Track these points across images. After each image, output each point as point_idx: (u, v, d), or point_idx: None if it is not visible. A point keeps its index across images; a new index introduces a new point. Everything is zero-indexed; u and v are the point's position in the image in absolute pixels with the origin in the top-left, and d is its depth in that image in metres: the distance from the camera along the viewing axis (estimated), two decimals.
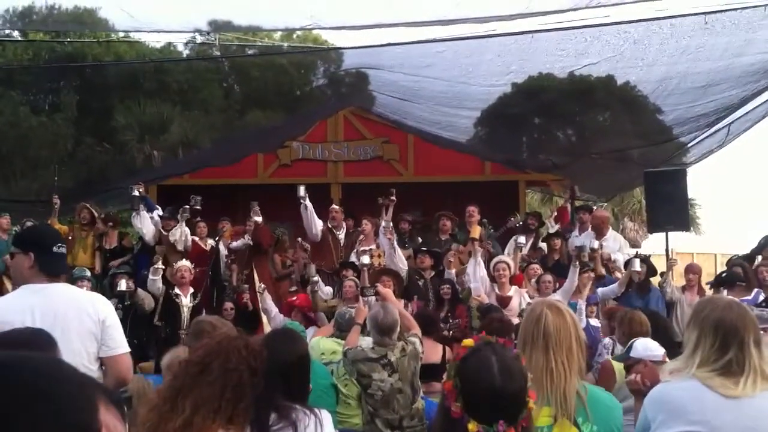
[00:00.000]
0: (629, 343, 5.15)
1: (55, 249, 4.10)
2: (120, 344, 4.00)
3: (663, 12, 9.80)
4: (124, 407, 4.19)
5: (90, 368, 3.85)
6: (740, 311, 3.02)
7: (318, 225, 11.21)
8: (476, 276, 9.53)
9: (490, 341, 2.40)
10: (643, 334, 5.67)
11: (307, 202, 11.03)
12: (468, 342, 2.42)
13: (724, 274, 9.99)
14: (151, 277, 9.82)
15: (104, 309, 4.03)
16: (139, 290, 9.75)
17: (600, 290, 9.70)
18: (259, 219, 11.12)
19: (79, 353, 3.78)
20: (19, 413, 1.17)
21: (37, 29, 17.67)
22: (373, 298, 7.56)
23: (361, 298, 7.57)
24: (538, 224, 11.86)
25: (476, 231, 10.45)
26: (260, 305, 9.79)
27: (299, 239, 11.53)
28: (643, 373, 4.64)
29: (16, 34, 17.96)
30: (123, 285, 9.56)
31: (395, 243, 10.39)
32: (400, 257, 10.30)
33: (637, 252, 11.10)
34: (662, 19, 10.03)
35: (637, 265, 9.68)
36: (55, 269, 4.07)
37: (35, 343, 2.93)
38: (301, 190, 10.99)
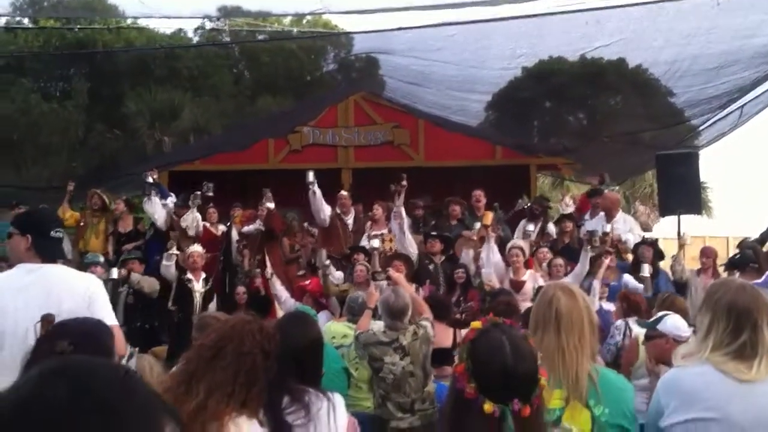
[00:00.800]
0: (659, 315, 5.10)
1: (52, 233, 4.16)
2: (106, 317, 3.86)
3: None
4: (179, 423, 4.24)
5: None
6: (753, 293, 3.00)
7: (326, 211, 11.22)
8: (489, 262, 9.52)
9: (497, 322, 2.41)
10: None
11: (316, 187, 11.03)
12: (476, 324, 2.43)
13: (736, 257, 9.94)
14: (164, 262, 9.86)
15: (93, 288, 4.06)
16: (133, 275, 9.81)
17: (627, 280, 9.49)
18: (271, 205, 11.13)
19: None
20: (85, 426, 1.17)
21: (47, 16, 17.69)
22: (385, 282, 7.57)
23: (372, 282, 7.58)
24: (542, 209, 11.80)
25: (488, 217, 10.41)
26: (270, 290, 9.82)
27: (306, 224, 11.55)
28: (659, 346, 4.63)
29: (26, 21, 17.99)
30: (114, 273, 9.65)
31: (405, 228, 10.39)
32: (410, 242, 10.30)
33: (644, 236, 11.01)
34: (674, 1, 9.96)
35: (646, 271, 9.58)
36: (50, 253, 4.13)
37: (95, 335, 2.98)
38: (310, 176, 10.99)
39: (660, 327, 4.87)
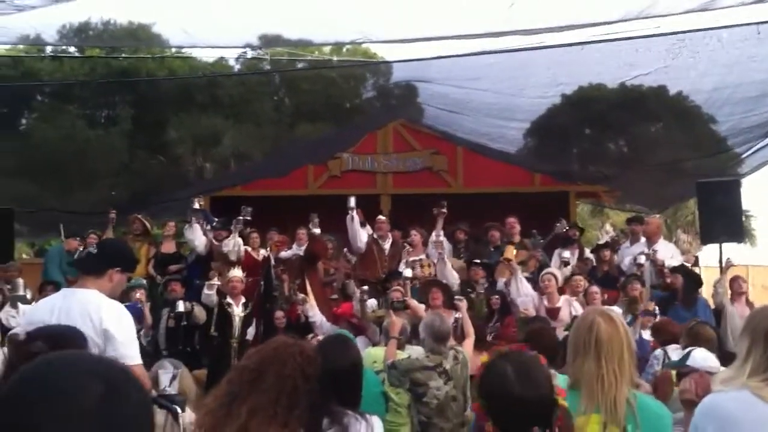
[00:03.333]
0: (687, 351, 5.08)
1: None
2: (124, 355, 3.90)
3: (715, 22, 9.70)
4: (178, 412, 4.30)
5: None
6: None
7: (363, 237, 11.29)
8: (520, 293, 9.54)
9: (503, 352, 2.41)
10: (708, 348, 5.58)
11: (355, 213, 11.12)
12: (484, 359, 2.44)
13: None
14: (206, 291, 10.00)
15: (109, 318, 4.01)
16: (196, 309, 9.93)
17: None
18: (317, 231, 11.25)
19: None
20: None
21: (93, 45, 18.02)
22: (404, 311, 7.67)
23: (392, 312, 7.58)
24: (578, 234, 11.77)
25: (509, 251, 10.44)
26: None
27: (345, 250, 11.62)
28: (697, 382, 4.60)
29: (72, 49, 18.33)
30: (181, 306, 9.83)
31: (446, 257, 10.43)
32: (450, 271, 10.31)
33: (682, 263, 10.90)
34: (714, 29, 9.93)
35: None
36: (78, 266, 4.36)
37: (67, 339, 3.12)
38: (351, 201, 11.09)
39: (690, 362, 4.87)
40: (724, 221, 11.26)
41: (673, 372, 5.28)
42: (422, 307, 7.50)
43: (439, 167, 14.95)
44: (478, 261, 10.55)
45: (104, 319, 3.99)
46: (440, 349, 5.77)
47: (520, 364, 2.30)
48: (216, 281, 10.10)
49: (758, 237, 29.59)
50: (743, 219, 15.93)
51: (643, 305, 9.09)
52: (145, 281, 10.51)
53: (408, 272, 9.59)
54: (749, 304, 9.80)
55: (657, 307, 9.31)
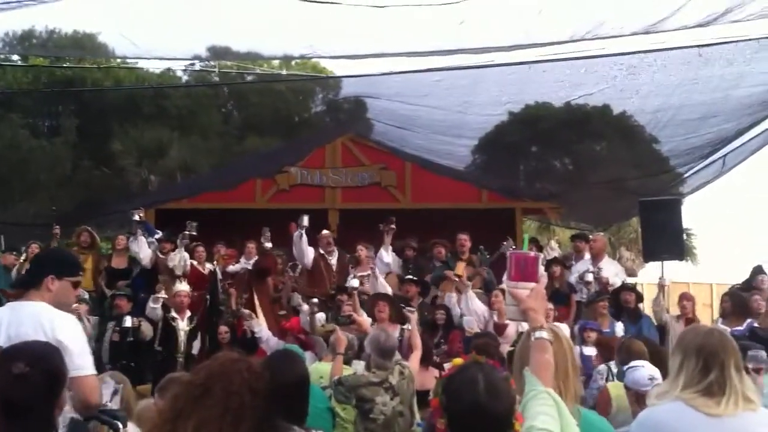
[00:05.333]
0: (625, 369, 5.22)
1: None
2: (79, 366, 3.90)
3: (658, 44, 9.90)
4: (120, 428, 4.22)
5: None
6: (721, 337, 3.20)
7: (310, 254, 11.28)
8: (470, 310, 9.58)
9: (479, 361, 2.42)
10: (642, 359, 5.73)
11: (304, 232, 11.12)
12: (458, 361, 2.45)
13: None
14: (151, 305, 9.88)
15: (62, 329, 3.96)
16: (143, 325, 9.77)
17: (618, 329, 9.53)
18: (269, 245, 11.20)
19: None
20: None
21: (36, 54, 17.72)
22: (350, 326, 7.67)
23: (337, 327, 7.57)
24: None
25: (460, 268, 10.51)
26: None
27: (290, 265, 11.60)
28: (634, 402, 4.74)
29: (15, 57, 18.00)
30: (128, 322, 9.64)
31: (377, 272, 10.40)
32: (383, 285, 10.29)
33: (623, 282, 11.13)
34: (657, 51, 10.14)
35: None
36: (18, 283, 4.32)
37: (47, 357, 3.10)
38: (305, 220, 11.05)
39: (626, 383, 5.07)
40: (666, 239, 11.46)
41: (617, 391, 5.44)
42: (368, 321, 7.50)
43: (388, 183, 14.99)
44: (411, 278, 10.56)
45: (56, 330, 3.93)
46: (386, 364, 5.77)
47: (492, 377, 2.32)
48: (162, 294, 9.98)
49: (699, 255, 30.21)
50: (684, 237, 16.26)
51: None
52: (86, 294, 10.31)
53: (355, 282, 9.53)
54: (691, 321, 10.00)
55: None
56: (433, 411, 2.32)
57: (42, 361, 3.01)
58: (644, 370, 5.10)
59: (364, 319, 8.20)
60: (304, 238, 11.12)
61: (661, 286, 10.88)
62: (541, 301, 2.83)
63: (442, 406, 2.29)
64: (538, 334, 2.72)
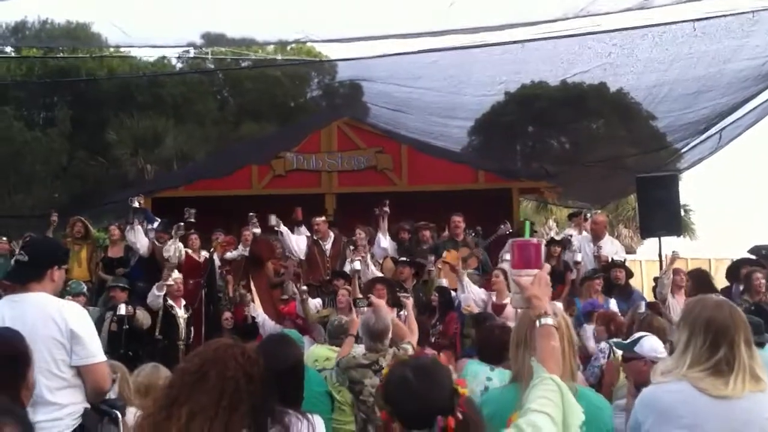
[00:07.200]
0: (636, 336, 5.07)
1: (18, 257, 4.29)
2: (91, 353, 4.02)
3: (652, 20, 9.85)
4: (118, 417, 4.22)
5: (60, 375, 3.95)
6: (731, 310, 3.06)
7: (301, 244, 11.28)
8: (467, 292, 9.56)
9: (403, 360, 2.52)
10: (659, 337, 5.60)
11: (281, 228, 11.12)
12: (385, 371, 2.54)
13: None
14: (156, 292, 9.87)
15: (73, 318, 4.02)
16: (138, 312, 9.73)
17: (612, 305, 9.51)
18: (257, 231, 11.19)
19: (45, 360, 3.87)
20: None
21: (29, 45, 17.68)
22: (366, 308, 7.58)
23: (354, 309, 7.56)
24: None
25: (452, 255, 10.49)
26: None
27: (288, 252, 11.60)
28: (642, 371, 4.63)
29: (9, 49, 17.95)
30: (122, 309, 9.58)
31: (369, 259, 10.35)
32: (373, 271, 10.24)
33: (612, 259, 11.05)
34: (652, 27, 10.09)
35: (642, 308, 9.61)
36: (13, 278, 4.26)
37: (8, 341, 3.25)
38: (272, 219, 11.12)
39: (637, 349, 4.85)
40: (663, 215, 11.45)
41: (619, 353, 5.34)
42: (384, 303, 7.42)
43: (384, 166, 14.95)
44: (405, 259, 10.54)
45: (68, 320, 3.99)
46: (377, 346, 5.74)
47: (418, 367, 2.42)
48: (169, 282, 9.96)
49: (697, 230, 30.25)
50: (682, 213, 16.25)
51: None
52: (85, 286, 10.29)
53: (357, 265, 9.50)
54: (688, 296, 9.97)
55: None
56: (385, 422, 2.39)
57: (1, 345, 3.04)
58: (654, 338, 4.98)
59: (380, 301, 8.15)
60: (285, 232, 11.18)
61: (673, 260, 10.74)
62: (544, 287, 2.82)
63: (390, 415, 2.37)
64: (543, 320, 2.72)
